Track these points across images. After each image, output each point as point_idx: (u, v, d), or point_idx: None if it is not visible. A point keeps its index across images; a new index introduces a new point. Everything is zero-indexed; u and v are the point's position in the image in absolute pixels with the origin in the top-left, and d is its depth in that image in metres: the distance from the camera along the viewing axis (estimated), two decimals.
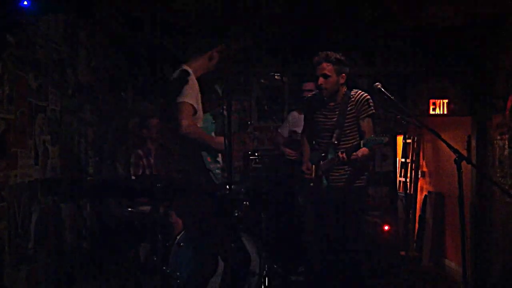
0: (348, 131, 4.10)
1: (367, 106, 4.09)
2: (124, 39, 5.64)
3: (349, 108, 4.09)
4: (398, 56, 6.48)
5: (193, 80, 3.56)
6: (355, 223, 4.17)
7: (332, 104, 4.15)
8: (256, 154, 5.78)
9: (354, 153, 3.90)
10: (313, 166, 4.18)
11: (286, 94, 6.55)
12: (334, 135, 4.10)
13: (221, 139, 3.66)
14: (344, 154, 3.92)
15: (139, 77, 6.01)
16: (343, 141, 4.09)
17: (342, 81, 4.11)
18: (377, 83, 3.75)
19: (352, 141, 4.09)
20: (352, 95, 4.12)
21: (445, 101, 6.47)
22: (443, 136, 3.43)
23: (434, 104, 6.48)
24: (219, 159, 3.81)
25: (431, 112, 6.51)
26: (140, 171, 5.13)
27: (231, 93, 5.92)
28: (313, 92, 4.37)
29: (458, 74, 6.49)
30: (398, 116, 4.53)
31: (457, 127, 6.83)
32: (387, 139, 3.80)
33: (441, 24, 5.80)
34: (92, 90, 4.85)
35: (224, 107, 3.75)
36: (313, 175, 4.18)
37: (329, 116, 4.16)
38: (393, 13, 5.40)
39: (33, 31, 3.76)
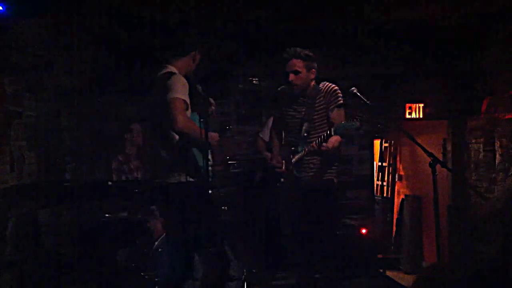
0: (317, 124, 4.12)
1: (335, 97, 4.10)
2: (104, 42, 5.61)
3: (317, 101, 4.11)
4: (374, 59, 6.52)
5: (180, 77, 3.54)
6: (327, 218, 4.18)
7: (302, 99, 4.18)
8: (235, 158, 5.79)
9: (325, 144, 3.91)
10: (284, 160, 4.20)
11: (264, 99, 6.56)
12: (304, 128, 4.12)
13: (214, 134, 3.70)
14: (315, 144, 3.94)
15: (119, 81, 5.97)
16: (313, 134, 4.10)
17: (312, 76, 4.13)
18: (353, 88, 3.78)
19: (321, 132, 4.08)
20: (320, 88, 4.15)
21: (421, 105, 6.53)
22: (419, 140, 3.48)
23: (410, 108, 6.54)
24: (210, 156, 3.80)
25: (407, 116, 6.57)
26: (122, 176, 5.11)
27: (209, 95, 5.89)
28: (282, 87, 4.35)
29: (434, 78, 6.56)
30: (375, 120, 4.58)
31: (433, 130, 6.90)
32: (358, 123, 3.78)
33: (417, 27, 5.85)
34: (70, 94, 4.81)
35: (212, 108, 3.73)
36: (284, 169, 4.19)
37: (298, 110, 4.18)
38: (372, 14, 5.44)
39: (8, 36, 3.73)
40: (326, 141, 3.90)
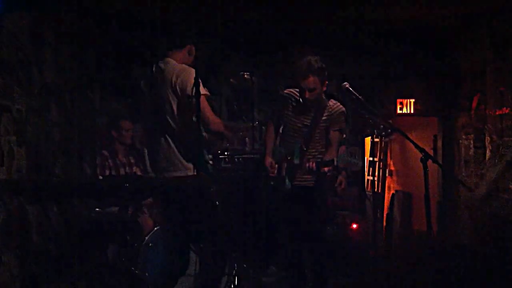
0: (317, 138, 4.13)
1: (341, 121, 4.13)
2: (92, 37, 5.58)
3: (324, 118, 4.11)
4: (366, 56, 6.53)
5: (193, 69, 3.51)
6: (317, 218, 4.20)
7: (309, 109, 4.15)
8: (226, 153, 5.76)
9: (323, 168, 3.94)
10: (276, 164, 4.18)
11: (256, 94, 6.54)
12: (303, 139, 4.11)
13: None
14: (314, 165, 3.94)
15: (107, 76, 5.94)
16: (311, 146, 4.11)
17: (324, 88, 4.10)
18: (345, 83, 3.77)
19: (319, 147, 4.13)
20: (330, 105, 4.14)
21: (412, 100, 6.56)
22: (410, 136, 3.48)
23: (401, 103, 6.57)
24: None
25: (399, 111, 6.59)
26: (106, 172, 5.08)
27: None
28: (291, 92, 4.28)
29: (425, 74, 6.58)
30: (367, 116, 4.59)
31: (424, 126, 6.93)
32: (360, 163, 3.88)
33: (408, 25, 5.87)
34: (59, 90, 4.77)
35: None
36: (275, 173, 4.18)
37: (302, 118, 4.16)
38: (362, 13, 5.46)
39: None
40: (324, 165, 3.93)
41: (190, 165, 3.52)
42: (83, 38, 5.40)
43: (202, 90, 3.39)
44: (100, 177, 5.04)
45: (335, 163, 3.90)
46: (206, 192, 3.66)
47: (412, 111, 6.58)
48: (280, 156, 4.20)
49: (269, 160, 4.21)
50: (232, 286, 4.45)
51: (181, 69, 3.52)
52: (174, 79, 3.50)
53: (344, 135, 4.03)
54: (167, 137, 3.58)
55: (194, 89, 3.25)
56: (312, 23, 5.84)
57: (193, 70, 3.48)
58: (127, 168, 5.25)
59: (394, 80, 6.66)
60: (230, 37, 6.27)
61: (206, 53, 6.07)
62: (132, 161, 5.30)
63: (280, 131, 4.34)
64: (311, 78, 3.96)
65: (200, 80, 3.34)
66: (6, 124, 3.76)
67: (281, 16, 5.55)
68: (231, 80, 6.49)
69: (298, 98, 4.15)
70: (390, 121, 6.49)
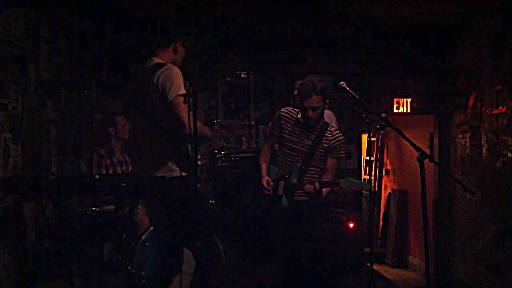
0: (317, 159, 4.13)
1: (340, 149, 4.15)
2: (88, 35, 5.57)
3: (323, 141, 4.12)
4: (361, 54, 6.54)
5: (177, 68, 3.47)
6: (311, 223, 4.22)
7: (309, 129, 4.15)
8: (223, 152, 5.76)
9: (323, 189, 3.97)
10: (272, 182, 4.17)
11: (252, 92, 6.55)
12: (304, 159, 4.11)
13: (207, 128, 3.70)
14: (317, 185, 3.95)
15: (103, 74, 5.93)
16: (311, 166, 4.12)
17: (326, 106, 4.15)
18: (341, 82, 3.79)
19: (317, 170, 4.14)
20: (330, 130, 4.16)
21: (408, 99, 6.57)
22: (406, 134, 3.48)
23: (397, 102, 6.58)
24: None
25: (395, 110, 6.60)
26: (103, 170, 5.07)
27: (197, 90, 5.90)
28: (292, 109, 4.29)
29: (422, 72, 6.59)
30: (363, 115, 4.59)
31: (420, 125, 6.94)
32: (370, 186, 3.87)
33: (406, 24, 5.88)
34: (55, 87, 4.76)
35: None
36: (271, 192, 4.17)
37: (302, 137, 4.15)
38: (355, 10, 5.46)
39: None
40: (324, 186, 3.97)
41: (174, 166, 3.49)
42: (79, 35, 5.39)
43: (179, 90, 3.34)
44: (97, 176, 5.03)
45: (341, 184, 3.91)
46: (194, 191, 3.63)
47: (408, 110, 6.59)
48: (275, 176, 4.19)
49: (265, 178, 4.21)
50: (229, 284, 4.46)
51: (164, 68, 3.45)
52: (156, 77, 3.43)
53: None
54: (150, 136, 3.55)
55: (190, 88, 3.23)
56: (311, 22, 5.84)
57: (176, 69, 3.44)
58: (123, 166, 5.25)
59: (391, 79, 6.66)
60: (227, 35, 6.27)
61: (202, 51, 6.07)
62: (129, 159, 5.29)
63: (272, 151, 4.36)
64: (315, 97, 3.99)
65: (179, 77, 3.32)
66: (1, 122, 3.74)
67: (279, 14, 5.54)
68: (228, 78, 6.50)
69: (296, 116, 4.16)
70: (385, 115, 6.50)
